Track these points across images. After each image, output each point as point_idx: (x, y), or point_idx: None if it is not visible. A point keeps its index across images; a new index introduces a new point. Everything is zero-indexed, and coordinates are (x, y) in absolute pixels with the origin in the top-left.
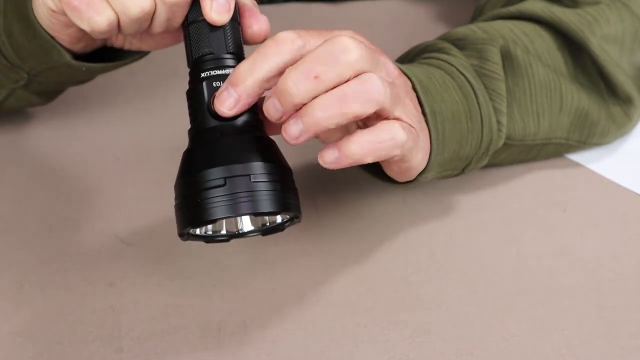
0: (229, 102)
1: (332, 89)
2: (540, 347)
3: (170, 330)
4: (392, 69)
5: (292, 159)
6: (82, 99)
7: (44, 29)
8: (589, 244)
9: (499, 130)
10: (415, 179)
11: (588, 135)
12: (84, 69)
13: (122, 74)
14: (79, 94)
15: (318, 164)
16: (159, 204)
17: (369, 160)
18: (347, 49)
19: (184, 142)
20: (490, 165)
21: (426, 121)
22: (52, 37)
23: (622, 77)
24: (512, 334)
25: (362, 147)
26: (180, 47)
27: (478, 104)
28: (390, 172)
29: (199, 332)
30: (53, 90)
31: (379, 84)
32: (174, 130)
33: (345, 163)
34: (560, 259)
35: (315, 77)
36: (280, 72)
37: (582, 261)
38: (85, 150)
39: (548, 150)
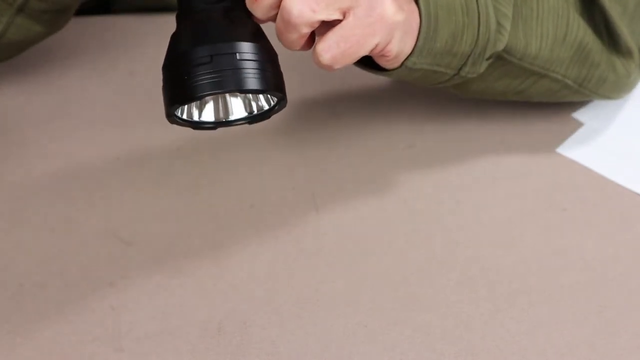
0: None
1: None
2: (540, 347)
3: (170, 330)
4: None
5: (292, 158)
6: (82, 99)
7: None
8: (589, 244)
9: (499, 32)
10: (402, 64)
11: (585, 77)
12: None
13: (122, 74)
14: (79, 94)
15: (318, 163)
16: (159, 204)
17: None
18: None
19: (184, 142)
20: (485, 90)
21: (417, 5)
22: None
23: (625, 29)
24: (512, 334)
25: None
26: None
27: (476, 0)
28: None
29: (199, 332)
30: (52, 10)
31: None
32: (174, 130)
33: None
34: (560, 258)
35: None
36: None
37: (582, 261)
38: (85, 150)
39: (543, 84)
